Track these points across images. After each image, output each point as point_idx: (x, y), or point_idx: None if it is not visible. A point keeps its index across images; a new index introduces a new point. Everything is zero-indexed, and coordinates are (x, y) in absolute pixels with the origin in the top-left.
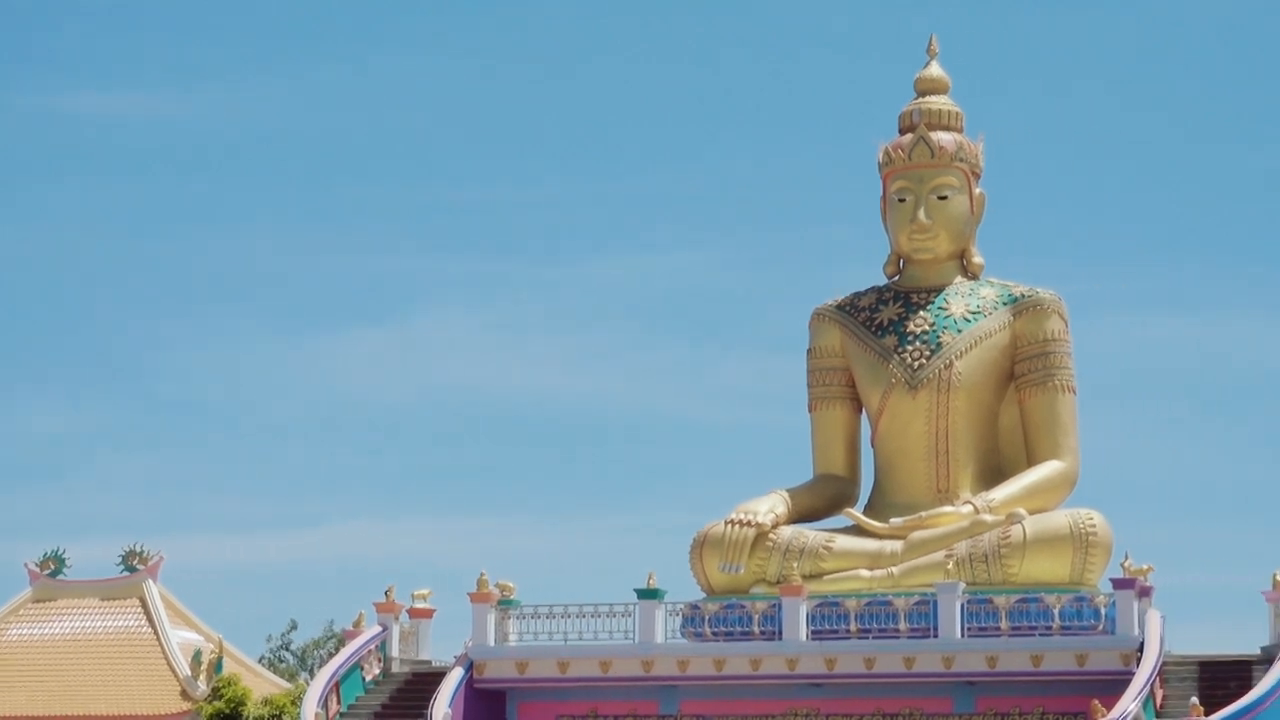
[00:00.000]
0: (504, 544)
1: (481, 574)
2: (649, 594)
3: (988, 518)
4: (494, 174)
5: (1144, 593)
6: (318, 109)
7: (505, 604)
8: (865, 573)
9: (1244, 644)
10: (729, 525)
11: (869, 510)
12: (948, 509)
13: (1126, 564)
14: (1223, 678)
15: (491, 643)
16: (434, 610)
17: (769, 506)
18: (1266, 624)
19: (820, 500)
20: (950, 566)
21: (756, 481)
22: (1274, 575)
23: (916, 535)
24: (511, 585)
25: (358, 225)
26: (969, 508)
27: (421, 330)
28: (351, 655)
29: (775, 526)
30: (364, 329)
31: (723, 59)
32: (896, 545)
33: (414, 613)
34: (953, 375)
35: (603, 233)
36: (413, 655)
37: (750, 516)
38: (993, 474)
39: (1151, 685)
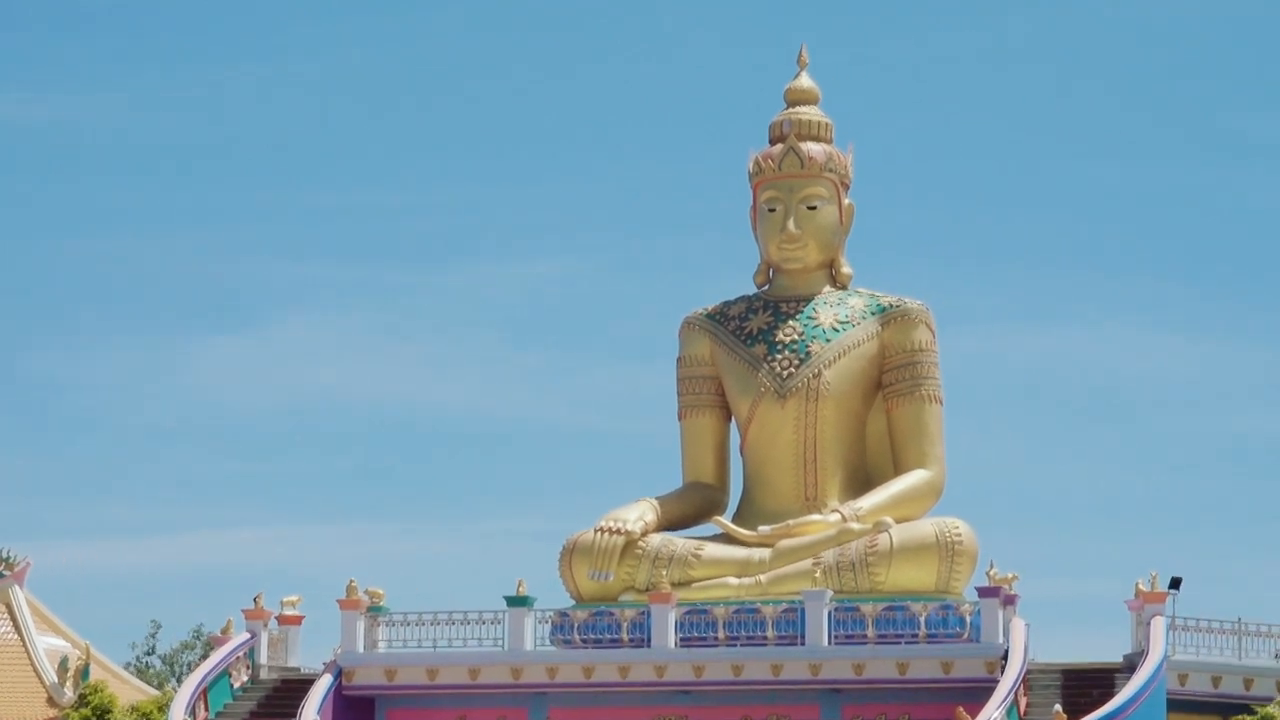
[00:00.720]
0: (373, 551)
1: (350, 581)
2: (518, 601)
3: (855, 526)
4: (361, 179)
5: (1008, 601)
6: (178, 111)
7: (374, 611)
8: (733, 580)
9: (1107, 652)
10: (598, 533)
11: (738, 518)
12: (815, 517)
13: (991, 572)
14: (1086, 685)
15: (360, 650)
16: (303, 617)
17: (638, 514)
18: (1129, 632)
19: (689, 508)
20: (818, 575)
21: (626, 489)
22: (1136, 584)
23: (784, 543)
24: (381, 592)
25: (224, 229)
26: (836, 516)
27: (288, 336)
28: (220, 662)
29: (644, 534)
30: (231, 334)
31: (592, 66)
32: (764, 553)
33: (283, 619)
34: (821, 384)
35: (471, 239)
36: (281, 662)
37: (619, 524)
38: (860, 483)
39: (1015, 693)
